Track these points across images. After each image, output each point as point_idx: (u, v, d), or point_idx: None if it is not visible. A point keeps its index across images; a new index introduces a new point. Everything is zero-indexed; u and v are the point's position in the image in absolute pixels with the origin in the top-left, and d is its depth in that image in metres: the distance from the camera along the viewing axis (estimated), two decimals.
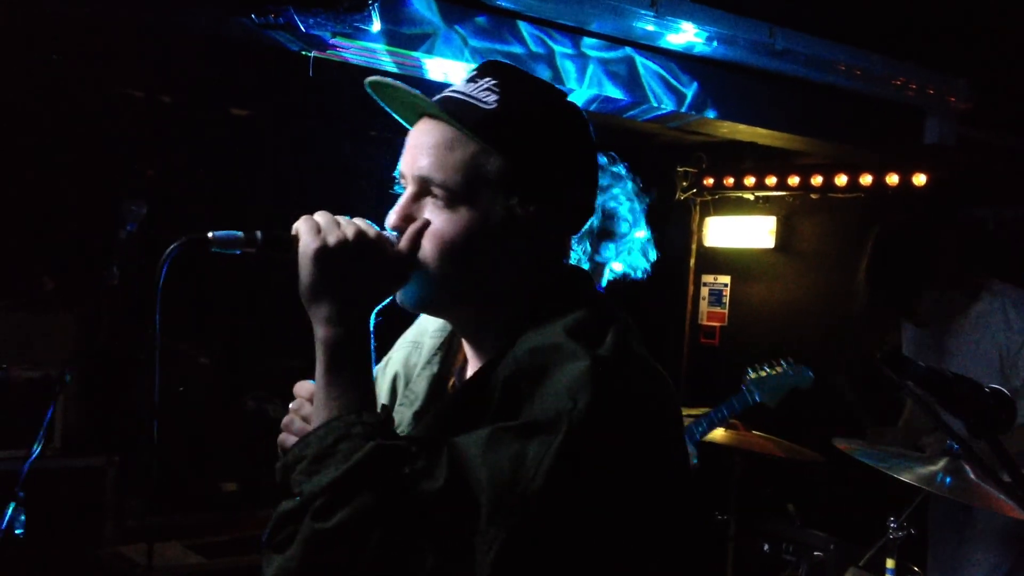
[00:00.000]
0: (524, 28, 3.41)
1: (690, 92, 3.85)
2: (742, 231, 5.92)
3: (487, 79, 1.36)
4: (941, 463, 2.77)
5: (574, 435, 1.15)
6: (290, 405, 1.44)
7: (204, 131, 4.52)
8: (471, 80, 1.37)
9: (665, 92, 3.79)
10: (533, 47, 3.43)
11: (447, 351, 1.55)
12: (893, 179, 5.06)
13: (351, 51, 3.19)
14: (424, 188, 1.34)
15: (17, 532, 2.85)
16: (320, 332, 1.28)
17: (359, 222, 1.31)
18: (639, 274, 2.73)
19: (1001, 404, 1.68)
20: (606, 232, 2.62)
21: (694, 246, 6.15)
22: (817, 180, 5.38)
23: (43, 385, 3.78)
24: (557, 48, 3.50)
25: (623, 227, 2.64)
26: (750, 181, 5.71)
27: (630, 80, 3.69)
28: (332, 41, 3.06)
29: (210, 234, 1.26)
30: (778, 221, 5.73)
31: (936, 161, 4.81)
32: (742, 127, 4.26)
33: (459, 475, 1.15)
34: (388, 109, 1.42)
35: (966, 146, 4.48)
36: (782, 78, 3.93)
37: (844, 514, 4.36)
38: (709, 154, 5.89)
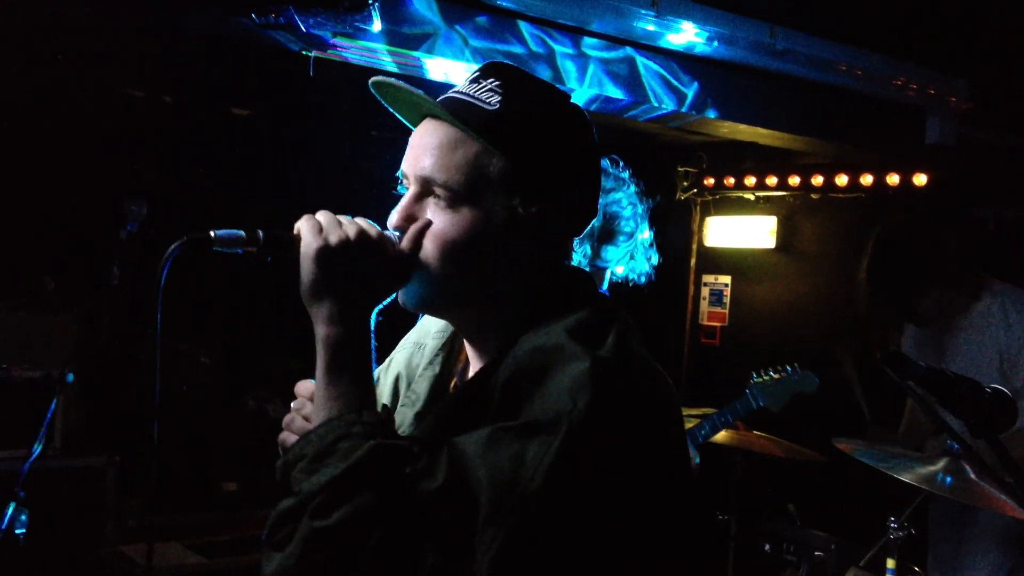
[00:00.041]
0: (524, 28, 3.41)
1: (691, 92, 3.85)
2: (743, 231, 5.91)
3: (490, 80, 1.36)
4: (941, 463, 2.76)
5: (574, 435, 1.15)
6: (292, 404, 1.44)
7: (204, 131, 4.52)
8: (474, 81, 1.37)
9: (666, 92, 3.78)
10: (533, 47, 3.43)
11: (449, 352, 1.55)
12: (894, 179, 5.06)
13: (351, 51, 3.19)
14: (426, 188, 1.34)
15: (18, 532, 2.85)
16: (321, 331, 1.28)
17: (361, 222, 1.31)
18: (641, 279, 2.72)
19: (1002, 404, 1.69)
20: (608, 235, 2.61)
21: (695, 246, 6.14)
22: (818, 180, 5.38)
23: (43, 385, 3.77)
24: (557, 48, 3.49)
25: (625, 231, 2.62)
26: (751, 181, 5.71)
27: (631, 80, 3.68)
28: (332, 41, 3.06)
29: (212, 233, 1.26)
30: (779, 221, 5.73)
31: (937, 161, 4.81)
32: (743, 127, 4.25)
33: (459, 475, 1.15)
34: (391, 109, 1.42)
35: (967, 146, 4.47)
36: (783, 78, 3.93)
37: (845, 514, 4.34)
38: (710, 154, 5.88)
